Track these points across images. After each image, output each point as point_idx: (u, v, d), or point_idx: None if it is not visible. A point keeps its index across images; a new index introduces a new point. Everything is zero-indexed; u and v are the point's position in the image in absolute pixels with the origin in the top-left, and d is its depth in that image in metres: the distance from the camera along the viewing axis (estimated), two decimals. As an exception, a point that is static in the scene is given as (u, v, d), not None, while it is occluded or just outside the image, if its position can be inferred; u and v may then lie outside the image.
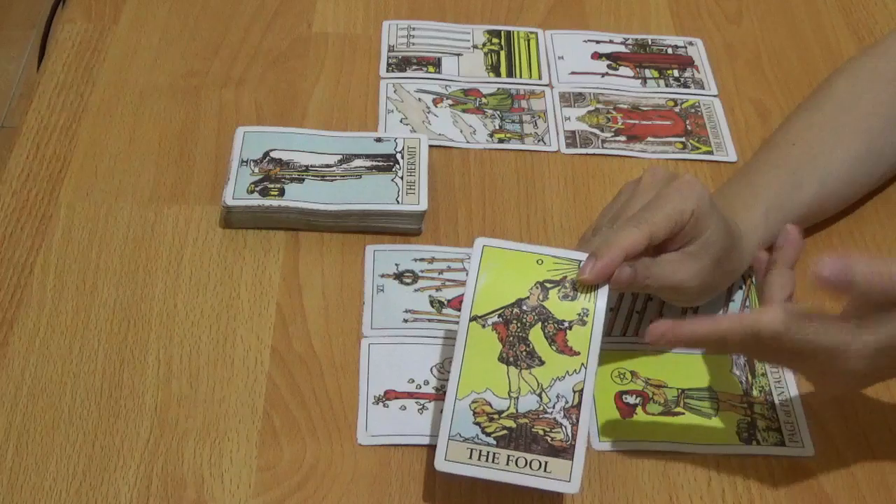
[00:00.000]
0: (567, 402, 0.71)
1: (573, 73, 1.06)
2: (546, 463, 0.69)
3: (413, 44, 1.08)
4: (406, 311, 0.84)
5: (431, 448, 0.72)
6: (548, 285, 0.73)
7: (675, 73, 1.06)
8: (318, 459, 0.74)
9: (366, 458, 0.75)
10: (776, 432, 0.78)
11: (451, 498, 0.73)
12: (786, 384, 0.81)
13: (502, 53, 1.07)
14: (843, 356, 0.69)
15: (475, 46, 1.08)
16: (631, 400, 0.79)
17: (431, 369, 0.80)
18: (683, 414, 0.79)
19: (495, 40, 1.09)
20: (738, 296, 0.86)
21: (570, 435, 0.70)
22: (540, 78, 1.05)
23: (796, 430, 0.78)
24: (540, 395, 0.71)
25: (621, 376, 0.81)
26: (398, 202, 0.88)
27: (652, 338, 0.69)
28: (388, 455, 0.75)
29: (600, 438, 0.77)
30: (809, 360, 0.70)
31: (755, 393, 0.80)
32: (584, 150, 0.98)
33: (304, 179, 0.90)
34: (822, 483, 0.75)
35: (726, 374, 0.81)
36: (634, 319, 0.84)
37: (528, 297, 0.72)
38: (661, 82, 1.05)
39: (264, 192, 0.88)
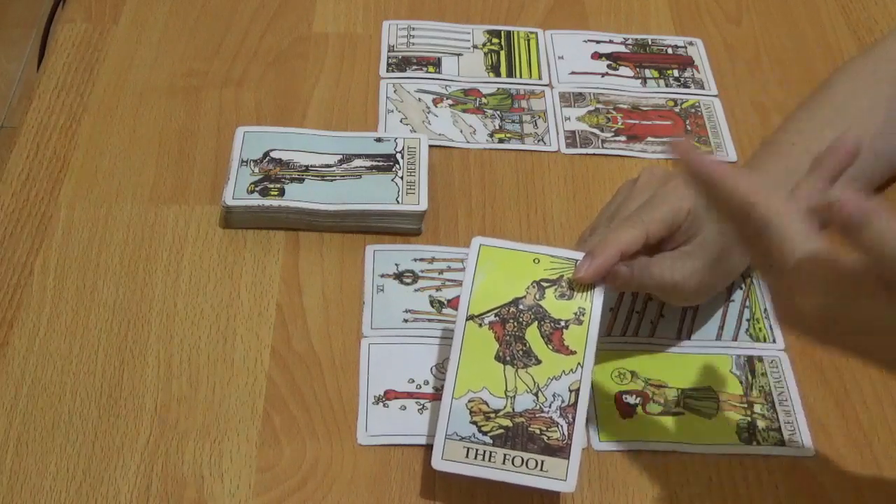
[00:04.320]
0: (563, 402, 0.71)
1: (573, 73, 1.06)
2: (542, 462, 0.69)
3: (413, 44, 1.08)
4: (406, 311, 0.84)
5: (431, 448, 0.72)
6: (544, 284, 0.73)
7: (675, 73, 1.06)
8: (318, 459, 0.74)
9: (366, 458, 0.75)
10: (776, 432, 0.78)
11: (450, 498, 0.73)
12: (786, 384, 0.81)
13: (502, 53, 1.07)
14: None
15: (475, 46, 1.08)
16: (631, 400, 0.79)
17: (431, 369, 0.80)
18: (683, 414, 0.78)
19: (495, 40, 1.09)
20: (738, 295, 0.86)
21: (566, 434, 0.70)
22: (540, 78, 1.05)
23: (796, 430, 0.78)
24: (536, 395, 0.71)
25: (621, 376, 0.81)
26: (398, 202, 0.88)
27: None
28: (387, 455, 0.75)
29: (600, 438, 0.76)
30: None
31: (755, 393, 0.80)
32: (584, 150, 0.98)
33: (304, 179, 0.90)
34: (822, 483, 0.75)
35: (726, 374, 0.81)
36: (634, 319, 0.84)
37: (524, 297, 0.72)
38: (661, 82, 1.05)
39: (264, 192, 0.88)
